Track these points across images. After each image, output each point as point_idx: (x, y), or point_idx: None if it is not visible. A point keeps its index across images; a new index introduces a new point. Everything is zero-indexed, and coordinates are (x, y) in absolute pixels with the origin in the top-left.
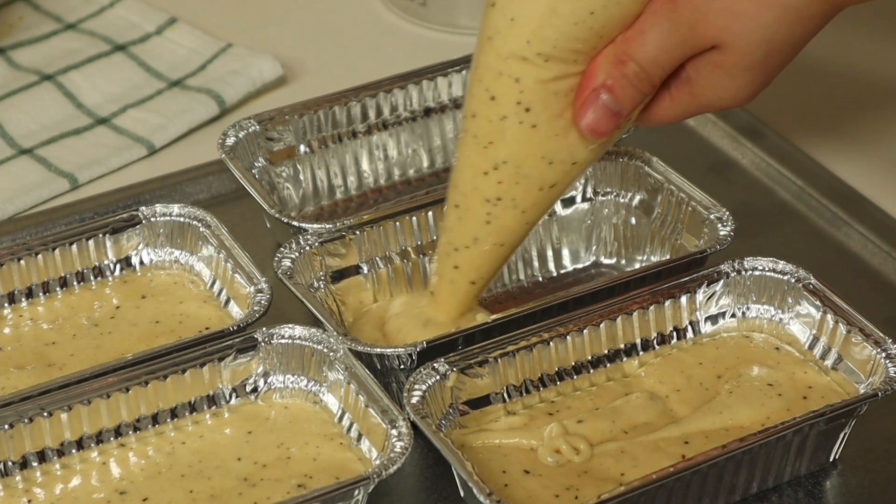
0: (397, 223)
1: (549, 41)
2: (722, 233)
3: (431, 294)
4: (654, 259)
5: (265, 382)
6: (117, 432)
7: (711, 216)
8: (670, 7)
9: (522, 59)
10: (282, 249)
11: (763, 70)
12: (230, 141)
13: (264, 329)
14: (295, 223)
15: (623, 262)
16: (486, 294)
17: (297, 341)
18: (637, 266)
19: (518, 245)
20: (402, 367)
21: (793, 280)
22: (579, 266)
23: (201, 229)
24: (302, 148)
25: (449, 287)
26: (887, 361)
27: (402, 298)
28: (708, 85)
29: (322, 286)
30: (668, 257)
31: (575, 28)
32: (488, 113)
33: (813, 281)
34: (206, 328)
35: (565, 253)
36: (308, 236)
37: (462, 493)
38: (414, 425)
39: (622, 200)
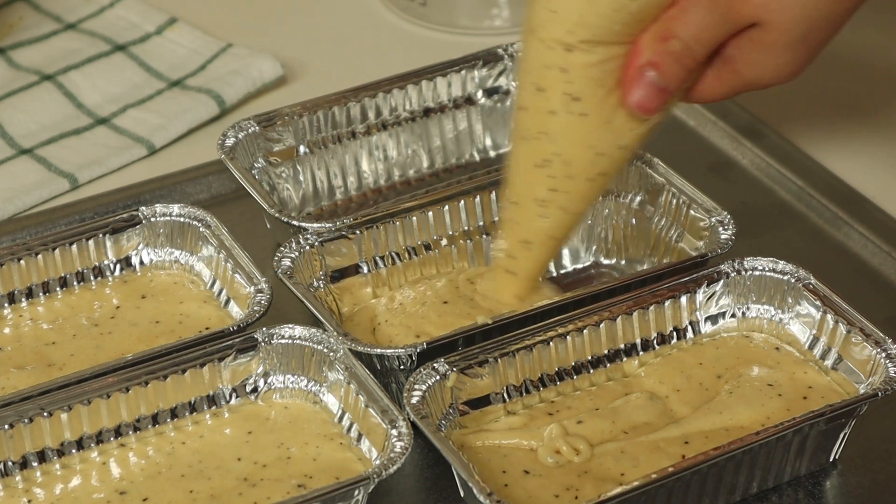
0: (397, 222)
1: (591, 28)
2: (723, 236)
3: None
4: (654, 260)
5: (265, 382)
6: (117, 432)
7: (713, 219)
8: None
9: (567, 48)
10: (282, 249)
11: (804, 47)
12: (230, 141)
13: (264, 329)
14: (295, 222)
15: (623, 262)
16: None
17: (297, 341)
18: (636, 267)
19: (568, 238)
20: (401, 367)
21: (793, 280)
22: (579, 266)
23: (201, 229)
24: (302, 148)
25: (506, 282)
26: (887, 361)
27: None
28: (750, 63)
29: (322, 285)
30: (667, 259)
31: (616, 14)
32: (538, 105)
33: (813, 281)
34: (206, 328)
35: (565, 253)
36: (308, 235)
37: (462, 493)
38: (414, 425)
39: (623, 201)
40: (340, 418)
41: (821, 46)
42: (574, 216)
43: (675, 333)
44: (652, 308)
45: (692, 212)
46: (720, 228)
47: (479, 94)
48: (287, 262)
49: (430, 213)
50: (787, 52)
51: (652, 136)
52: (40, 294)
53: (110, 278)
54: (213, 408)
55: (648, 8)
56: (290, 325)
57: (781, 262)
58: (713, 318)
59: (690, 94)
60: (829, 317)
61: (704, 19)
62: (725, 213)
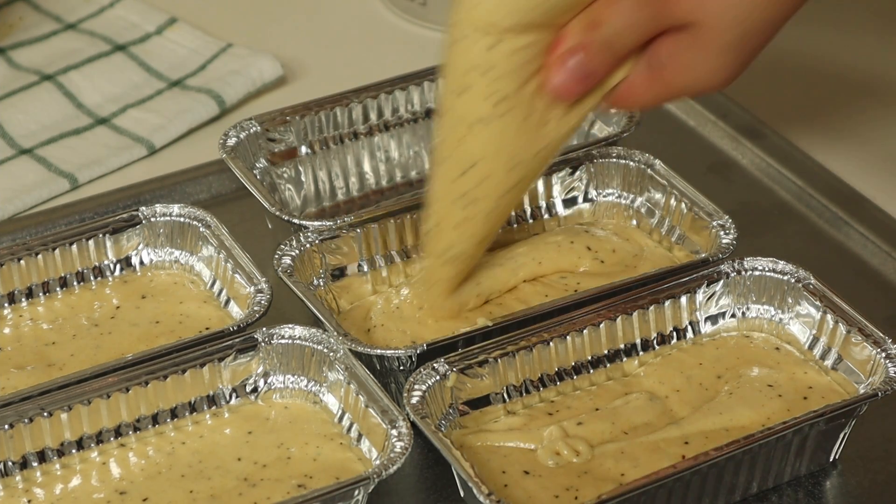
0: (398, 221)
1: (521, 11)
2: (724, 241)
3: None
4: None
5: (265, 382)
6: (117, 432)
7: (714, 223)
8: None
9: (493, 41)
10: (282, 247)
11: (739, 52)
12: (231, 141)
13: (264, 329)
14: (296, 220)
15: None
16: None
17: (297, 341)
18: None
19: (487, 244)
20: (401, 368)
21: (793, 280)
22: None
23: (201, 229)
24: (303, 149)
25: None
26: (887, 361)
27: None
28: (682, 66)
29: (322, 284)
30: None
31: (544, 2)
32: (460, 110)
33: (813, 281)
34: (206, 328)
35: None
36: (308, 233)
37: (462, 493)
38: (414, 425)
39: (623, 202)
40: (340, 418)
41: (754, 53)
42: (494, 226)
43: (675, 333)
44: (652, 308)
45: (693, 215)
46: (721, 233)
47: None
48: (287, 260)
49: None
50: (721, 56)
51: (566, 142)
52: (40, 294)
53: (110, 278)
54: (213, 408)
55: None
56: (290, 325)
57: (781, 262)
58: (713, 319)
59: (615, 98)
60: (829, 317)
61: (636, 11)
62: (727, 217)
